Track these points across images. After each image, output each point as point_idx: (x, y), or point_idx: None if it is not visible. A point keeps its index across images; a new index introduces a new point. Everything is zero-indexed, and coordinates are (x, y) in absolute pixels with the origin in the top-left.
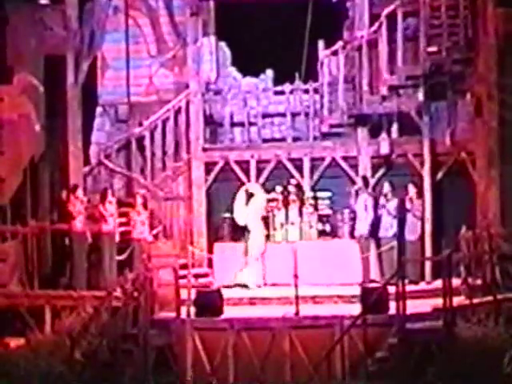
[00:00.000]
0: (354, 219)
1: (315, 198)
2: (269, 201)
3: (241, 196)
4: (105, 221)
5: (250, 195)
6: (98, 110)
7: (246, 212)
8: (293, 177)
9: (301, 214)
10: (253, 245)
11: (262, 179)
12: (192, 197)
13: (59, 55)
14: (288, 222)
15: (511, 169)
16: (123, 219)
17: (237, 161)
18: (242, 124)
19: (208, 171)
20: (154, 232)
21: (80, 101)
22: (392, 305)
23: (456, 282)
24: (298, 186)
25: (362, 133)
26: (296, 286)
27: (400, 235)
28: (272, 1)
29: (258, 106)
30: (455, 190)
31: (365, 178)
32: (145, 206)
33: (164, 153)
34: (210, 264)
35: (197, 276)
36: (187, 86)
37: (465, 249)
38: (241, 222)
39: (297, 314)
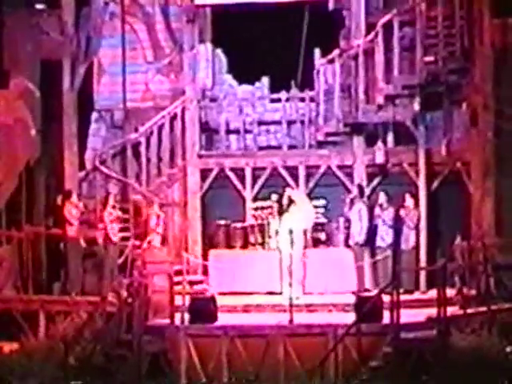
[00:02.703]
0: (348, 228)
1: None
2: (263, 208)
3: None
4: (105, 226)
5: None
6: (94, 115)
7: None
8: (288, 185)
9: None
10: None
11: (257, 187)
12: (187, 203)
13: (55, 60)
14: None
15: (506, 179)
16: (118, 225)
17: (232, 168)
18: (237, 131)
19: (203, 178)
20: (149, 239)
21: (76, 106)
22: (386, 314)
23: (450, 291)
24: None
25: (358, 141)
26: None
27: (395, 244)
28: (269, 9)
29: (254, 113)
30: (450, 200)
31: (360, 187)
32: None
33: (159, 159)
34: (205, 271)
35: (191, 283)
36: (183, 93)
37: (459, 259)
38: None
39: (291, 321)
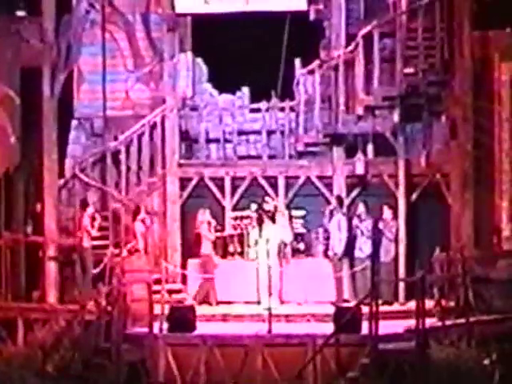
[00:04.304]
0: (328, 238)
1: (290, 217)
2: (243, 218)
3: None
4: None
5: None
6: (74, 123)
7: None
8: (268, 195)
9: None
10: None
11: (236, 196)
12: (166, 212)
13: (35, 67)
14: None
15: (485, 192)
16: (97, 233)
17: (212, 177)
18: (217, 140)
19: (183, 187)
20: (129, 247)
21: (56, 113)
22: (365, 325)
23: (429, 303)
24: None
25: (338, 152)
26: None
27: (374, 256)
28: (249, 18)
29: (234, 123)
30: (429, 212)
31: (339, 198)
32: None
33: (139, 167)
34: (184, 280)
35: (170, 292)
36: (163, 102)
37: (438, 271)
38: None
39: (270, 331)
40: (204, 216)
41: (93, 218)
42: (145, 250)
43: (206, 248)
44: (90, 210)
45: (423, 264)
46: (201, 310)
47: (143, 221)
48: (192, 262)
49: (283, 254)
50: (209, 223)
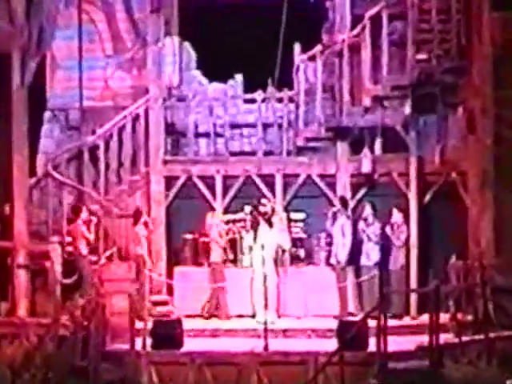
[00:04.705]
0: (330, 244)
1: (288, 220)
2: (235, 221)
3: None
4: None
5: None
6: (47, 115)
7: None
8: (263, 195)
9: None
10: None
11: (228, 197)
12: (150, 215)
13: (4, 53)
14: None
15: (507, 192)
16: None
17: (201, 176)
18: (207, 135)
19: (168, 186)
20: (108, 253)
21: (26, 104)
22: (372, 341)
23: (444, 317)
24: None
25: (342, 148)
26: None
27: (382, 263)
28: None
29: (226, 115)
30: (444, 215)
31: (343, 199)
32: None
33: (120, 165)
34: (170, 291)
35: (154, 303)
36: (147, 91)
37: (454, 280)
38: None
39: (266, 348)
40: (213, 219)
41: (88, 221)
42: (149, 256)
43: (216, 255)
44: (84, 214)
45: (437, 273)
46: (189, 324)
47: (146, 224)
48: (179, 271)
49: (281, 261)
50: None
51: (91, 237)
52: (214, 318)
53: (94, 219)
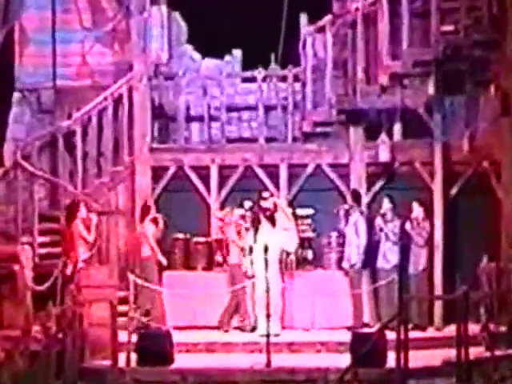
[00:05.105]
0: (343, 245)
1: (294, 217)
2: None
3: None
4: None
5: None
6: (16, 96)
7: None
8: (266, 189)
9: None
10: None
11: (225, 191)
12: (135, 211)
13: None
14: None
15: None
16: (45, 238)
17: (193, 166)
18: (200, 119)
19: (156, 178)
20: (86, 256)
21: None
22: (391, 356)
23: (474, 328)
24: None
25: (356, 134)
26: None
27: (402, 266)
28: None
29: (222, 95)
30: (474, 210)
31: (355, 193)
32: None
33: (100, 153)
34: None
35: (140, 313)
36: (130, 68)
37: (486, 286)
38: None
39: (268, 364)
40: (231, 217)
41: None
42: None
43: (234, 256)
44: (83, 211)
45: (466, 277)
46: (180, 337)
47: (154, 220)
48: (168, 275)
49: (285, 264)
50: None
51: (91, 238)
52: (234, 331)
53: (94, 218)
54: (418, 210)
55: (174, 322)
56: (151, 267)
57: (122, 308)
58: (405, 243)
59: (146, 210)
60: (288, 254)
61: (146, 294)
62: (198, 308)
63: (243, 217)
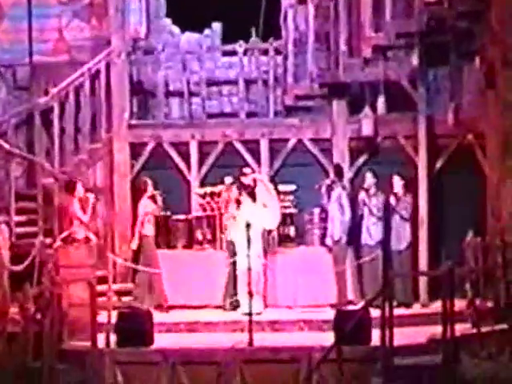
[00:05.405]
0: (325, 221)
1: (277, 193)
2: (214, 195)
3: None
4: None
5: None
6: None
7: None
8: (247, 164)
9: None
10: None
11: (205, 167)
12: (114, 189)
13: None
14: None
15: None
16: (22, 217)
17: (173, 142)
18: (180, 94)
19: (135, 155)
20: (64, 235)
21: None
22: (375, 334)
23: (460, 304)
24: None
25: (338, 107)
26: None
27: (386, 242)
28: None
29: (202, 70)
30: (459, 184)
31: (338, 167)
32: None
33: (77, 130)
34: None
35: (119, 293)
36: (108, 43)
37: (471, 261)
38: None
39: (251, 343)
40: (230, 193)
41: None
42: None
43: (234, 233)
44: (80, 190)
45: (451, 253)
46: (160, 316)
47: (153, 198)
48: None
49: (267, 242)
50: (237, 202)
51: (86, 218)
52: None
53: (92, 197)
54: (398, 184)
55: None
56: (152, 245)
57: (100, 288)
58: (388, 219)
59: (144, 187)
60: (270, 231)
61: (141, 275)
62: (178, 287)
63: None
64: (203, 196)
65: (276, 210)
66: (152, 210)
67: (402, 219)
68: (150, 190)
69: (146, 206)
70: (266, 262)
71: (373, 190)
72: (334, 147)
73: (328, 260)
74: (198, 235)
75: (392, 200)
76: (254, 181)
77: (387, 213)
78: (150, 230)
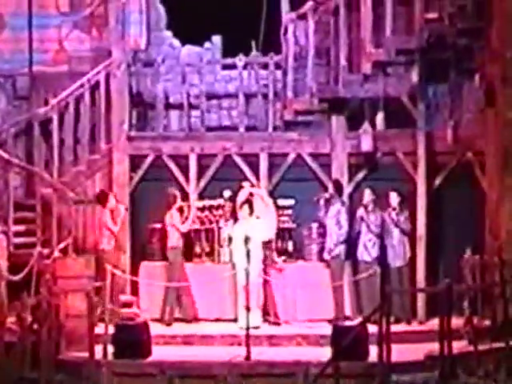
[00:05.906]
0: (324, 236)
1: (275, 207)
2: (212, 208)
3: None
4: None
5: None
6: None
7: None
8: (246, 178)
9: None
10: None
11: (204, 180)
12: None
13: None
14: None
15: None
16: (20, 227)
17: (172, 155)
18: (179, 106)
19: (134, 167)
20: (62, 245)
21: None
22: (373, 350)
23: (457, 321)
24: None
25: (338, 123)
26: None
27: (384, 259)
28: None
29: (202, 83)
30: (458, 202)
31: (337, 183)
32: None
33: (76, 141)
34: (135, 289)
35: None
36: (108, 55)
37: (469, 279)
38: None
39: (248, 357)
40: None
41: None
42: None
43: None
44: (112, 201)
45: (449, 269)
46: (157, 329)
47: (180, 210)
48: (146, 265)
49: (265, 256)
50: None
51: (116, 229)
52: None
53: (123, 209)
54: (394, 200)
55: (151, 314)
56: (179, 257)
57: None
58: (383, 234)
59: (172, 199)
60: (267, 244)
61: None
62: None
63: (218, 207)
64: (202, 209)
65: (272, 220)
66: (176, 223)
67: (402, 233)
68: (179, 201)
69: (175, 217)
70: (265, 276)
71: (371, 207)
72: (333, 162)
73: (326, 275)
74: (196, 248)
75: (393, 214)
76: (251, 194)
77: (383, 230)
78: (176, 241)
